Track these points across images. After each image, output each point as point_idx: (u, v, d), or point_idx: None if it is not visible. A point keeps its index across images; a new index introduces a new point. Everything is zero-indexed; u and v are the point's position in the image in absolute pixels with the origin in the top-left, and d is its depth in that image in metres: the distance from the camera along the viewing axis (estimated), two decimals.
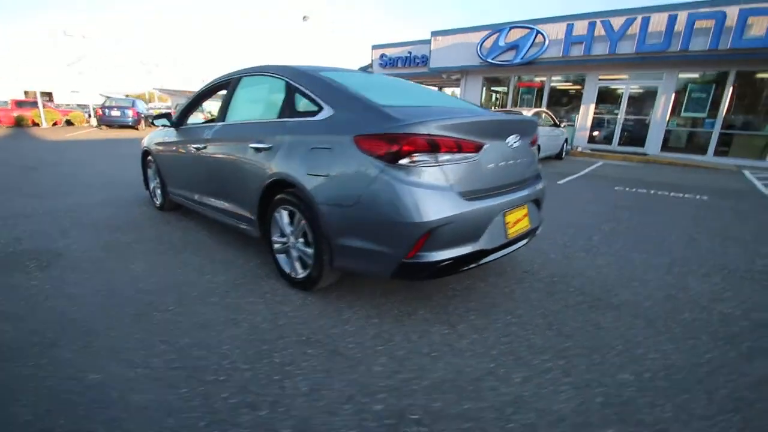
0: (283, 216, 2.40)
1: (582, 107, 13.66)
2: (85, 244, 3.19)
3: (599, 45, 12.04)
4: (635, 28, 11.32)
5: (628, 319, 2.24)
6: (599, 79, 13.22)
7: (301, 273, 2.40)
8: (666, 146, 12.36)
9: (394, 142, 1.82)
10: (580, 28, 12.28)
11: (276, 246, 2.55)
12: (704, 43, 10.33)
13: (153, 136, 4.20)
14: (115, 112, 16.03)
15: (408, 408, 1.50)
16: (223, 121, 3.01)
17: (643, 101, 12.83)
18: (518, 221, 2.26)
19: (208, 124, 3.24)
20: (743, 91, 11.05)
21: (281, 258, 2.55)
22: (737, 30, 9.81)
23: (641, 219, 4.62)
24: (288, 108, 2.44)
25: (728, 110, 11.17)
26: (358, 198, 1.92)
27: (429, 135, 1.82)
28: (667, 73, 11.87)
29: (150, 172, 4.35)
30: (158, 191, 4.26)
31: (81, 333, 1.93)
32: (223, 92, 3.40)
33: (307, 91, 2.33)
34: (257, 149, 2.49)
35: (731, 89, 10.99)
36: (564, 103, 14.52)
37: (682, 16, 10.54)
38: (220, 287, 2.48)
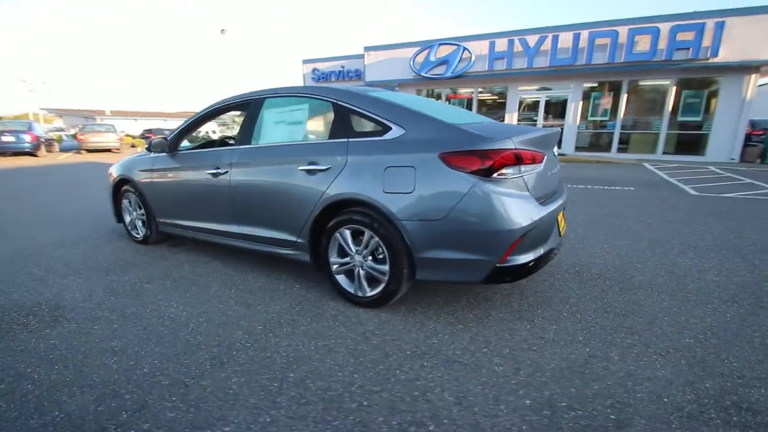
0: (347, 236, 2.39)
1: (506, 116, 15.10)
2: (81, 291, 2.76)
3: (519, 60, 13.48)
4: (548, 45, 12.91)
5: (655, 295, 2.63)
6: (519, 90, 14.77)
7: (370, 291, 2.39)
8: (578, 146, 14.20)
9: (486, 158, 1.96)
10: (501, 44, 13.64)
11: (335, 267, 2.50)
12: (603, 57, 12.18)
13: (131, 164, 3.78)
14: (8, 137, 13.62)
15: (552, 397, 1.63)
16: (249, 143, 2.86)
17: (557, 108, 14.62)
18: (562, 222, 2.55)
19: (226, 148, 3.05)
20: (634, 96, 13.22)
21: (341, 279, 2.52)
22: (628, 46, 11.76)
23: (601, 210, 5.33)
24: (342, 128, 2.43)
25: (625, 113, 13.26)
26: (449, 211, 2.02)
27: (515, 149, 2.00)
28: (575, 84, 13.71)
29: (126, 203, 3.88)
30: (139, 223, 3.83)
31: (167, 388, 1.72)
32: (224, 115, 3.25)
33: (366, 112, 2.36)
34: (310, 171, 2.44)
35: (626, 96, 13.08)
36: (491, 113, 15.90)
37: (585, 34, 12.31)
38: (283, 317, 2.36)
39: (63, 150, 18.44)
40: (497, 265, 2.04)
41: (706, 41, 10.87)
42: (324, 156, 2.41)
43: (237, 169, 2.83)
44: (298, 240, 2.62)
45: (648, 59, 11.59)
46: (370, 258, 2.35)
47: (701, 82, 12.23)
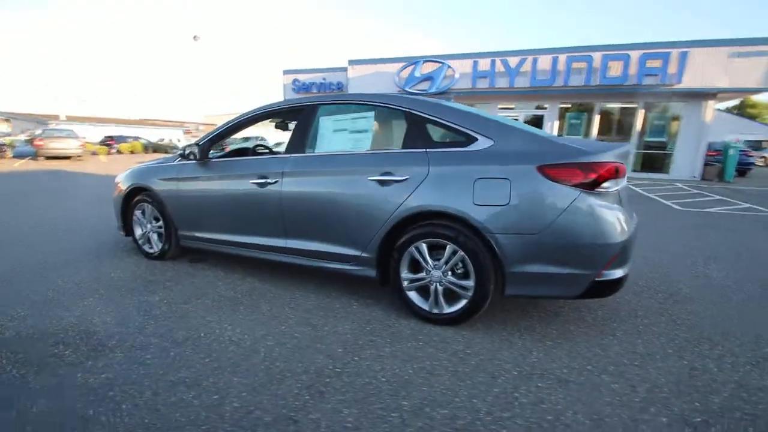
0: (424, 250, 2.27)
1: None
2: (109, 314, 2.44)
3: (501, 79, 14.00)
4: (528, 66, 13.52)
5: (709, 306, 2.70)
6: (499, 108, 15.30)
7: (448, 308, 2.28)
8: None
9: (590, 170, 1.94)
10: (484, 64, 14.12)
11: (406, 284, 2.37)
12: (580, 80, 12.90)
13: (148, 172, 3.47)
14: None
15: (684, 414, 1.59)
16: (303, 152, 2.70)
17: (535, 126, 15.25)
18: None
19: (274, 156, 2.86)
20: (606, 117, 14.07)
21: (412, 295, 2.39)
22: (602, 71, 12.54)
23: None
24: (418, 138, 2.34)
25: (598, 133, 14.06)
26: (549, 224, 1.97)
27: (614, 163, 1.99)
28: (550, 104, 14.42)
29: (139, 214, 3.54)
30: (154, 237, 3.50)
31: (273, 425, 1.51)
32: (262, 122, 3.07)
33: (446, 122, 2.29)
34: (383, 182, 2.32)
35: (598, 116, 13.90)
36: None
37: (562, 58, 13.01)
38: (359, 338, 2.19)
39: (17, 156, 16.91)
40: (595, 279, 2.00)
41: (672, 69, 11.81)
42: (400, 166, 2.30)
43: (290, 179, 2.65)
44: (363, 254, 2.47)
45: (620, 83, 12.41)
46: (449, 273, 2.25)
47: (665, 106, 13.24)
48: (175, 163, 3.29)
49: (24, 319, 2.37)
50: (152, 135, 33.95)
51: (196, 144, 3.09)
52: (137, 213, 3.56)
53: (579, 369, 1.91)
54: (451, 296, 2.29)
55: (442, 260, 2.24)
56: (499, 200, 2.04)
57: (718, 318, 2.52)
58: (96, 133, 29.59)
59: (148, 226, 3.51)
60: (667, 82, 11.94)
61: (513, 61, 13.69)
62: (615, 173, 1.99)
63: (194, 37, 24.89)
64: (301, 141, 2.72)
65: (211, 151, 3.24)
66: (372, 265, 2.47)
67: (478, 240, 2.11)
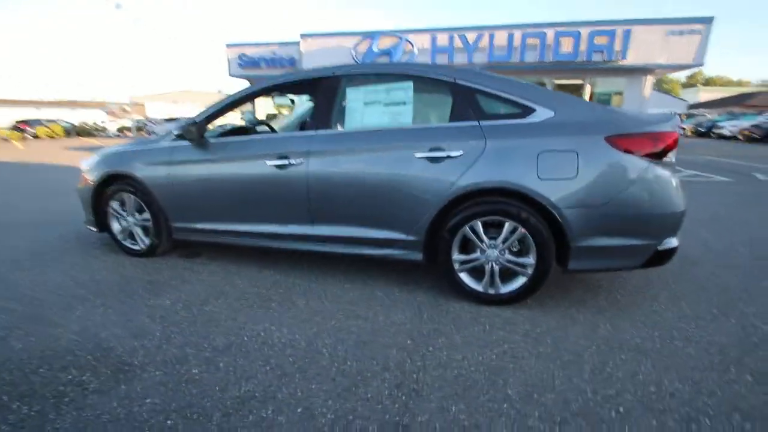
0: (479, 229, 2.15)
1: None
2: (116, 324, 2.07)
3: (459, 55, 14.00)
4: (485, 42, 13.63)
5: (720, 267, 2.90)
6: None
7: (504, 288, 2.20)
8: None
9: (659, 140, 1.91)
10: (442, 39, 14.01)
11: (458, 265, 2.25)
12: (535, 56, 13.28)
13: (127, 156, 2.96)
14: None
15: (761, 368, 1.66)
16: (330, 128, 2.41)
17: None
18: None
19: (296, 134, 2.53)
20: None
21: (464, 276, 2.27)
22: (555, 47, 12.99)
23: None
24: (467, 110, 2.17)
25: None
26: (617, 196, 1.93)
27: (676, 133, 1.98)
28: None
29: (117, 206, 3.03)
30: (139, 231, 3.03)
31: None
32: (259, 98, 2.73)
33: (499, 92, 2.14)
34: (434, 159, 2.14)
35: None
36: None
37: (518, 34, 13.26)
38: (421, 327, 2.04)
39: None
40: (658, 249, 2.02)
41: (617, 45, 12.54)
42: (452, 141, 2.13)
43: (318, 159, 2.37)
44: (408, 237, 2.30)
45: (571, 60, 12.97)
46: (506, 251, 2.16)
47: (610, 81, 14.12)
48: (165, 144, 2.83)
49: (8, 341, 1.92)
50: (71, 117, 30.04)
51: (194, 122, 2.66)
52: (114, 205, 3.04)
53: (649, 337, 1.94)
54: (505, 275, 2.21)
55: (500, 238, 2.14)
56: (567, 173, 1.97)
57: (733, 277, 2.70)
58: (2, 117, 25.54)
59: (130, 219, 3.03)
60: (614, 58, 12.68)
61: (471, 37, 13.73)
62: (675, 144, 1.99)
63: (117, 5, 21.95)
64: (325, 116, 2.43)
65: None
66: (418, 248, 2.32)
67: (540, 216, 2.04)
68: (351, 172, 2.33)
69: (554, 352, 1.81)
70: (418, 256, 2.34)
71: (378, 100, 2.39)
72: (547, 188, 1.98)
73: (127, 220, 3.04)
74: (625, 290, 2.47)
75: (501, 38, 13.46)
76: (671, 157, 1.99)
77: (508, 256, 2.16)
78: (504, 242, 2.14)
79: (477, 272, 2.27)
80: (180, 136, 2.60)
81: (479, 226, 2.15)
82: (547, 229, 2.05)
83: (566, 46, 12.89)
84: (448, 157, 2.12)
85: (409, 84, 2.33)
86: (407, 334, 1.97)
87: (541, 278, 2.13)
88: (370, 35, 14.59)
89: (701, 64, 12.44)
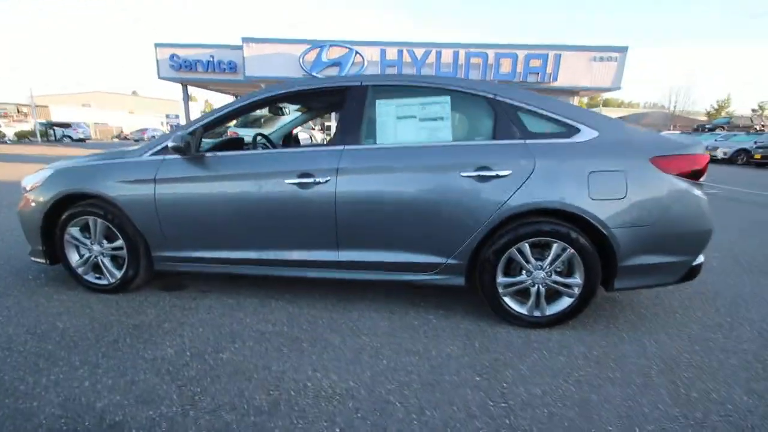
0: (527, 251, 2.08)
1: None
2: (115, 387, 1.63)
3: (408, 69, 14.33)
4: (432, 58, 14.13)
5: (736, 272, 3.16)
6: None
7: (550, 310, 2.15)
8: None
9: (696, 162, 2.01)
10: (392, 53, 14.25)
11: (502, 289, 2.15)
12: (478, 74, 14.05)
13: (94, 171, 2.44)
14: None
15: None
16: (360, 143, 2.19)
17: None
18: None
19: (322, 148, 2.24)
20: None
21: (508, 300, 2.18)
22: (495, 67, 13.87)
23: None
24: (511, 128, 2.10)
25: None
26: (661, 215, 1.99)
27: (708, 155, 2.10)
28: None
29: (76, 232, 2.46)
30: (106, 261, 2.50)
31: None
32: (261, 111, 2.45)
33: (543, 111, 2.11)
34: (481, 178, 2.03)
35: None
36: None
37: (462, 53, 13.96)
38: (482, 359, 1.89)
39: None
40: (693, 264, 2.12)
41: (549, 68, 13.77)
42: (499, 160, 2.05)
43: (348, 176, 2.14)
44: (449, 261, 2.16)
45: (510, 80, 13.94)
46: (553, 272, 2.12)
47: None
48: (148, 158, 2.36)
49: None
50: None
51: (188, 132, 2.26)
52: (72, 231, 2.47)
53: (693, 351, 2.01)
54: (551, 297, 2.17)
55: (548, 259, 2.09)
56: (616, 194, 1.98)
57: (748, 285, 2.96)
58: None
59: (96, 248, 2.48)
60: (546, 80, 13.89)
61: (419, 52, 14.14)
62: (707, 165, 2.12)
63: None
64: (354, 130, 2.21)
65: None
66: (461, 272, 2.18)
67: (588, 236, 2.03)
68: (386, 191, 2.13)
69: (624, 377, 1.78)
70: (459, 280, 2.20)
71: (412, 115, 2.23)
72: (598, 208, 1.98)
73: (91, 250, 2.49)
74: (642, 304, 2.57)
75: (447, 56, 14.05)
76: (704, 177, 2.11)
77: (554, 277, 2.12)
78: (552, 263, 2.09)
79: (521, 294, 2.20)
80: (177, 150, 2.18)
81: (527, 247, 2.08)
82: (594, 248, 2.05)
83: (505, 66, 13.85)
84: (497, 176, 2.03)
85: (447, 99, 2.21)
86: (471, 369, 1.81)
87: (588, 298, 2.12)
88: (319, 44, 14.34)
89: (619, 88, 14.15)
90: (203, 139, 2.43)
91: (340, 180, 2.14)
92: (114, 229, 2.42)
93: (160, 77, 16.50)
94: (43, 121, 25.19)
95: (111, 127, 39.65)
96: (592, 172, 1.99)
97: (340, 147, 2.19)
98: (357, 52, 14.23)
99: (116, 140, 33.51)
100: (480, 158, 2.07)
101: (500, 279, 2.15)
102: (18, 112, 37.88)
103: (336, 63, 14.37)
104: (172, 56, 15.85)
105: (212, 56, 15.81)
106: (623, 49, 13.72)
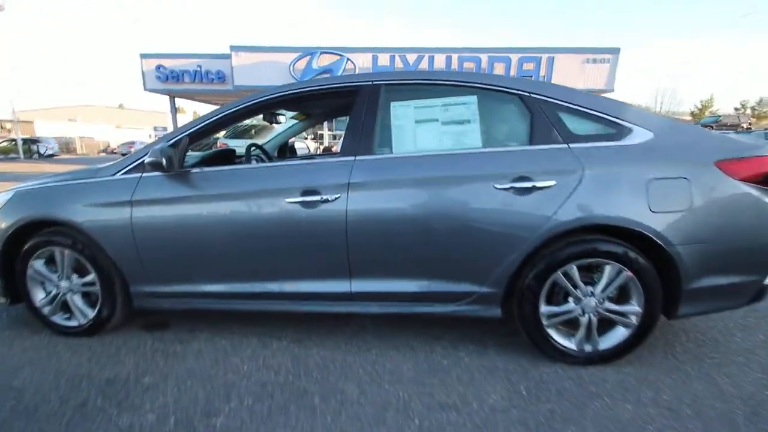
0: (575, 274, 1.77)
1: None
2: None
3: None
4: (425, 64, 13.93)
5: None
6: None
7: (603, 343, 1.83)
8: None
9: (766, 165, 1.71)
10: (384, 59, 13.99)
11: (546, 320, 1.83)
12: None
13: (57, 195, 2.08)
14: None
15: None
16: (373, 153, 1.87)
17: None
18: None
19: (328, 160, 1.92)
20: None
21: (553, 332, 1.86)
22: (489, 70, 13.70)
23: None
24: (550, 131, 1.79)
25: None
26: (733, 229, 1.69)
27: None
28: None
29: (40, 266, 2.10)
30: (77, 299, 2.13)
31: None
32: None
33: (586, 109, 1.81)
34: (521, 190, 1.72)
35: None
36: None
37: (455, 58, 13.77)
38: (533, 409, 1.56)
39: None
40: (764, 283, 1.82)
41: (543, 71, 13.63)
42: (540, 168, 1.74)
43: (361, 192, 1.81)
44: (483, 289, 1.83)
45: None
46: (605, 299, 1.80)
47: None
48: (122, 176, 2.01)
49: None
50: None
51: (169, 145, 1.91)
52: (36, 264, 2.10)
53: None
54: (600, 327, 1.85)
55: (601, 284, 1.77)
56: (679, 204, 1.68)
57: None
58: None
59: (64, 284, 2.11)
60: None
61: (411, 58, 13.93)
62: None
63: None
64: (366, 137, 1.89)
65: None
66: (496, 301, 1.86)
67: (647, 255, 1.72)
68: (407, 209, 1.81)
69: (707, 426, 1.46)
70: (495, 311, 1.88)
71: (433, 118, 1.92)
72: (660, 222, 1.67)
73: (58, 286, 2.12)
74: (693, 326, 2.26)
75: (440, 61, 13.85)
76: None
77: (608, 304, 1.80)
78: (605, 289, 1.78)
79: (565, 325, 1.88)
80: (156, 166, 1.84)
81: (575, 270, 1.77)
82: (654, 270, 1.74)
83: (498, 70, 13.67)
84: (538, 188, 1.71)
85: (473, 98, 1.90)
86: (524, 427, 1.47)
87: (648, 329, 1.80)
88: (310, 52, 14.06)
89: (612, 89, 14.06)
90: (189, 152, 2.10)
91: (352, 197, 1.81)
92: (85, 261, 2.05)
93: (146, 89, 16.06)
94: (14, 137, 24.35)
95: (98, 141, 38.87)
96: (652, 180, 1.69)
97: (350, 158, 1.86)
98: (348, 59, 13.96)
99: (103, 154, 32.79)
100: (517, 167, 1.75)
101: (543, 308, 1.82)
102: (2, 128, 36.97)
103: (327, 70, 14.07)
104: (158, 67, 15.42)
105: (200, 66, 15.41)
106: (615, 50, 13.64)
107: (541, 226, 1.71)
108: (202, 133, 2.03)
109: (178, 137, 1.96)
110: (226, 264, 1.97)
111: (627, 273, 1.73)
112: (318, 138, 19.06)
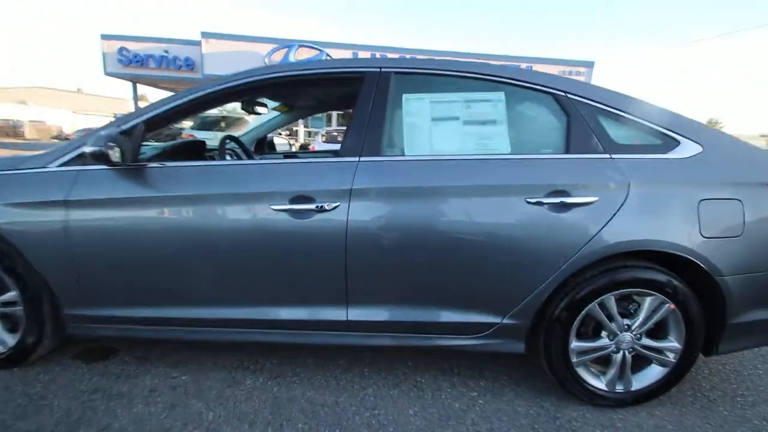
0: (612, 306, 1.52)
1: None
2: None
3: None
4: None
5: None
6: None
7: (636, 383, 1.60)
8: None
9: None
10: (363, 56, 13.67)
11: (576, 357, 1.57)
12: None
13: None
14: None
15: None
16: (381, 154, 1.54)
17: None
18: None
19: (326, 159, 1.57)
20: None
21: (582, 371, 1.61)
22: None
23: None
24: (590, 138, 1.53)
25: None
26: None
27: None
28: None
29: None
30: None
31: None
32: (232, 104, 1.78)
33: (630, 115, 1.56)
34: (558, 206, 1.45)
35: None
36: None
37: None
38: None
39: None
40: None
41: None
42: (581, 181, 1.48)
43: (366, 201, 1.48)
44: (505, 321, 1.55)
45: None
46: (643, 334, 1.57)
47: None
48: (56, 169, 1.57)
49: None
50: None
51: (121, 132, 1.50)
52: None
53: None
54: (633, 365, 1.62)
55: (639, 318, 1.54)
56: (732, 229, 1.47)
57: None
58: None
59: None
60: None
61: (392, 57, 13.68)
62: None
63: None
64: (373, 135, 1.56)
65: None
66: (520, 335, 1.58)
67: (707, 284, 1.50)
68: (420, 223, 1.49)
69: None
70: (517, 346, 1.60)
71: (453, 116, 1.62)
72: (712, 249, 1.46)
73: None
74: (711, 358, 2.09)
75: None
76: None
77: (645, 340, 1.57)
78: (644, 323, 1.54)
79: (599, 363, 1.64)
80: (101, 157, 1.42)
81: (612, 301, 1.52)
82: (697, 302, 1.52)
83: None
84: (579, 204, 1.45)
85: (500, 95, 1.62)
86: None
87: (687, 367, 1.59)
88: (287, 44, 13.51)
89: None
90: (146, 143, 1.69)
91: (355, 206, 1.47)
92: (3, 275, 1.60)
93: (106, 73, 14.88)
94: None
95: (49, 126, 35.94)
96: (703, 201, 1.47)
97: (353, 159, 1.53)
98: (327, 54, 13.53)
99: (56, 141, 30.35)
100: (554, 178, 1.48)
101: (574, 344, 1.57)
102: None
103: None
104: (121, 49, 14.32)
105: (166, 51, 14.44)
106: (589, 64, 14.01)
107: (580, 248, 1.45)
108: (164, 119, 1.63)
109: (133, 123, 1.55)
110: (190, 284, 1.58)
111: (669, 305, 1.51)
112: (293, 134, 18.41)
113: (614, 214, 1.45)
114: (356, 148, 1.55)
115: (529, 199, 1.46)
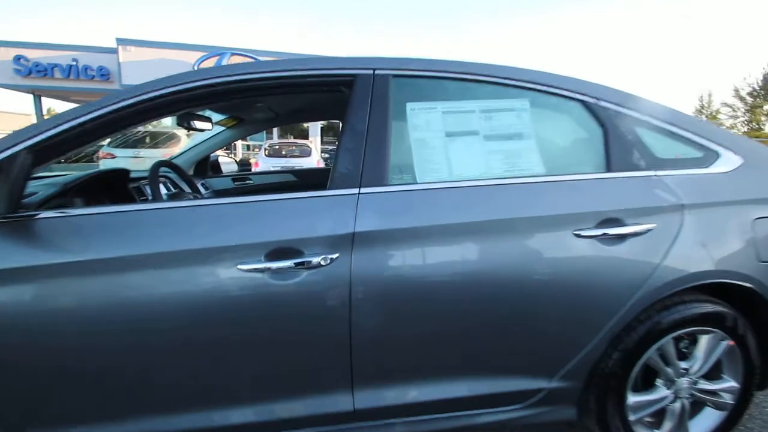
0: (671, 350, 1.28)
1: (311, 138, 14.77)
2: None
3: None
4: None
5: None
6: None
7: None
8: None
9: None
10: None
11: (634, 416, 1.30)
12: None
13: None
14: None
15: None
16: (384, 182, 1.15)
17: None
18: None
19: (313, 193, 1.13)
20: None
21: (639, 429, 1.34)
22: None
23: None
24: (629, 153, 1.28)
25: None
26: None
27: None
28: None
29: None
30: None
31: None
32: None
33: (668, 126, 1.34)
34: (611, 237, 1.17)
35: None
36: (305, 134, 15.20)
37: None
38: None
39: None
40: None
41: None
42: (632, 205, 1.21)
43: (373, 249, 1.08)
44: (553, 384, 1.24)
45: None
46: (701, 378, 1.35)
47: None
48: None
49: None
50: None
51: None
52: None
53: None
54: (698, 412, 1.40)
55: (699, 359, 1.31)
56: None
57: None
58: None
59: None
60: None
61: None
62: None
63: None
64: (375, 158, 1.17)
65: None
66: (571, 399, 1.28)
67: (748, 319, 1.32)
68: (449, 273, 1.13)
69: None
70: (568, 412, 1.30)
71: (471, 129, 1.28)
72: (765, 274, 1.27)
73: None
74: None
75: None
76: None
77: (701, 383, 1.35)
78: (703, 364, 1.32)
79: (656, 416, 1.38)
80: None
81: (671, 344, 1.28)
82: (753, 337, 1.34)
83: None
84: (633, 234, 1.19)
85: (525, 102, 1.31)
86: None
87: (744, 408, 1.39)
88: (219, 52, 12.58)
89: None
90: (39, 175, 1.15)
91: (360, 258, 1.07)
92: None
93: (0, 85, 12.79)
94: None
95: None
96: (756, 221, 1.28)
97: (352, 191, 1.13)
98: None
99: None
100: (603, 204, 1.21)
101: (631, 399, 1.30)
102: None
103: None
104: (18, 58, 12.39)
105: (75, 60, 12.75)
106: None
107: (640, 287, 1.18)
108: (61, 143, 1.10)
109: (8, 152, 1.01)
110: (116, 389, 1.06)
111: (728, 342, 1.30)
112: (230, 149, 17.15)
113: (673, 243, 1.20)
114: (353, 176, 1.15)
115: (576, 231, 1.17)
